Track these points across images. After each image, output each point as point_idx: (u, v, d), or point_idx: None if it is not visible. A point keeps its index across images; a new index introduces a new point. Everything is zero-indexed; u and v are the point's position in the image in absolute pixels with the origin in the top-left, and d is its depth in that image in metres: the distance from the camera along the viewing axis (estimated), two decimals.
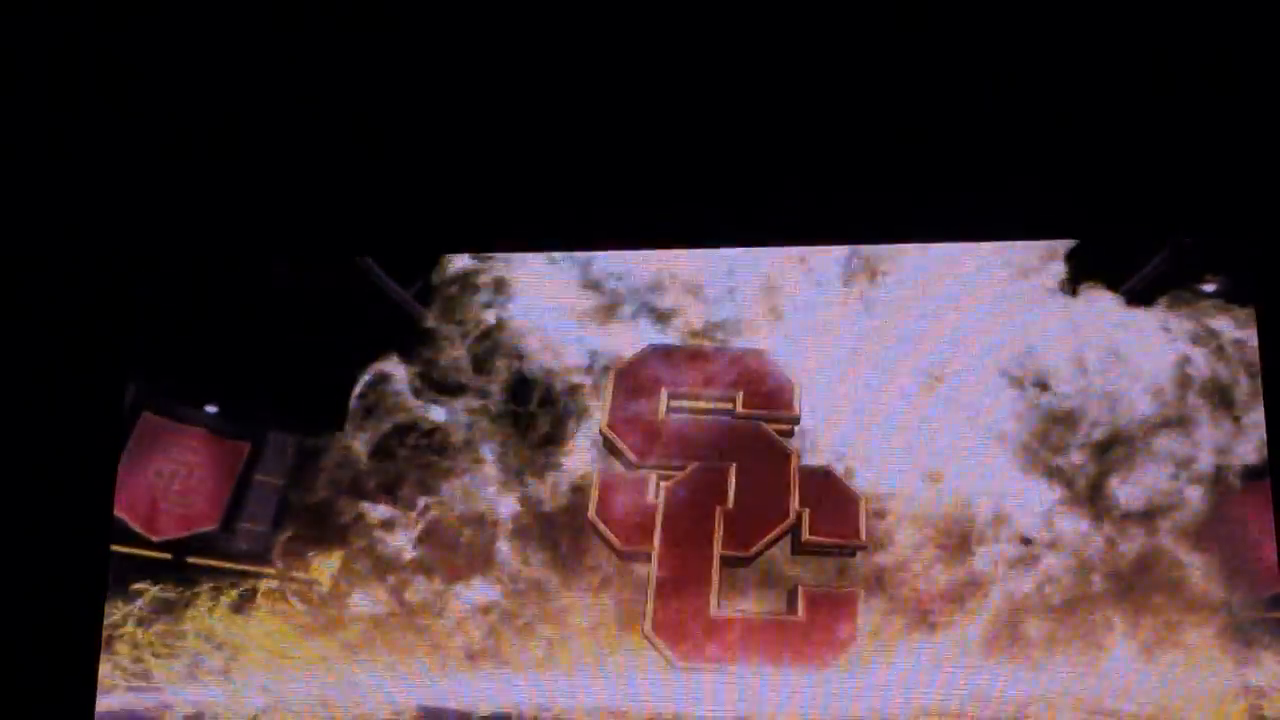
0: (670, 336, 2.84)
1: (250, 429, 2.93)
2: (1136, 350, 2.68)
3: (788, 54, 2.81)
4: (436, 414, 2.82)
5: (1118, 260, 2.74)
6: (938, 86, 2.77)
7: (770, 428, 2.75)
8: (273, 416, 2.91)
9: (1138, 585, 2.54)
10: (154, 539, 2.85)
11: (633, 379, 2.80)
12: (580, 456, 2.76)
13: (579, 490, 2.73)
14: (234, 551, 2.82)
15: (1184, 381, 2.64)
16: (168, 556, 2.81)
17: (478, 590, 2.69)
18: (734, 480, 2.70)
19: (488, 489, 2.75)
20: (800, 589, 2.63)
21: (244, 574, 2.77)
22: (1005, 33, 2.71)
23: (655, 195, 2.89)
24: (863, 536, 2.65)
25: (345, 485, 2.80)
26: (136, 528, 2.84)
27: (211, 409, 2.98)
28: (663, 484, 2.72)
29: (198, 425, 2.97)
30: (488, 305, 2.90)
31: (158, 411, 2.95)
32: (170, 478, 2.92)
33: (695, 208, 2.88)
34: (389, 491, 2.78)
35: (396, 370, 2.86)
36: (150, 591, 2.75)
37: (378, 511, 2.77)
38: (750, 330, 2.83)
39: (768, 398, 2.77)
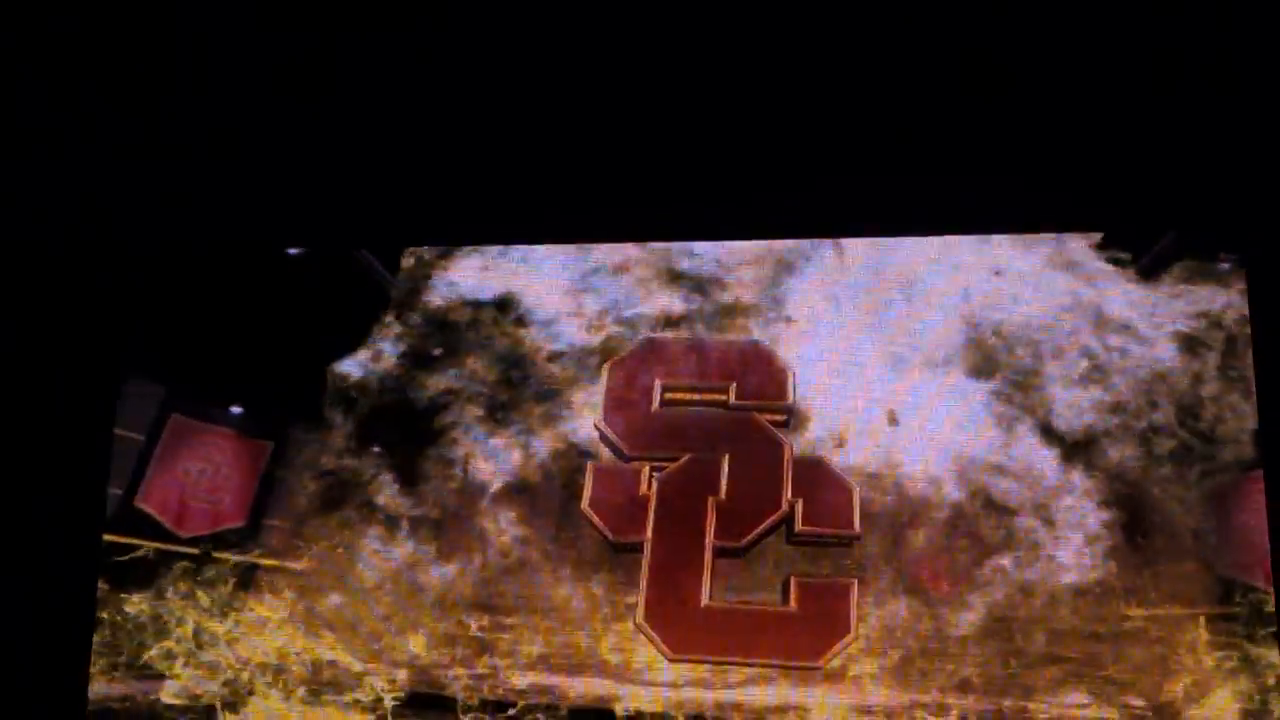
0: (667, 328, 2.86)
1: (273, 428, 3.03)
2: (1142, 327, 2.62)
3: (786, 45, 2.80)
4: (425, 396, 2.89)
5: (1125, 241, 2.69)
6: (936, 84, 2.74)
7: (764, 418, 2.75)
8: (294, 415, 3.00)
9: (1136, 569, 2.48)
10: (183, 535, 2.95)
11: (627, 371, 2.82)
12: (574, 446, 2.79)
13: (572, 479, 2.75)
14: (254, 545, 2.91)
15: (1191, 356, 2.57)
16: (175, 548, 2.91)
17: (469, 579, 2.73)
18: (726, 471, 2.70)
19: (481, 476, 2.80)
20: (793, 579, 2.61)
21: (240, 564, 2.86)
22: (1004, 28, 2.66)
23: (656, 189, 2.90)
24: (856, 527, 2.63)
25: (336, 472, 2.88)
26: (167, 524, 2.95)
27: (237, 410, 3.09)
28: (655, 475, 2.72)
29: (224, 426, 3.08)
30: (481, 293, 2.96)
31: (186, 413, 3.07)
32: (199, 476, 3.03)
33: (693, 201, 2.88)
34: (380, 477, 2.85)
35: (387, 355, 2.93)
36: (145, 580, 2.86)
37: (368, 497, 2.84)
38: (749, 320, 2.83)
39: (761, 388, 2.77)
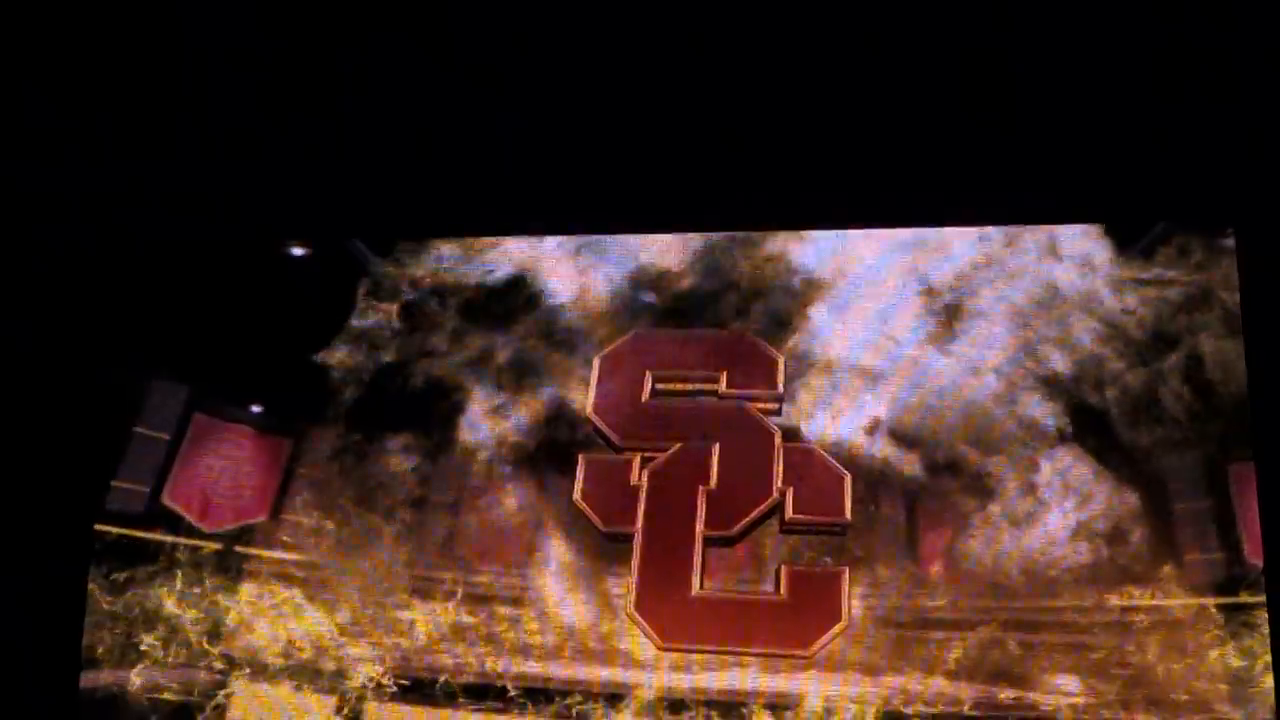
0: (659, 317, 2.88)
1: (292, 426, 3.12)
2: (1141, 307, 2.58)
3: (782, 37, 2.80)
4: (425, 384, 2.95)
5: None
6: (933, 82, 2.72)
7: (754, 407, 2.75)
8: (302, 408, 3.08)
9: (1142, 553, 2.44)
10: (207, 530, 3.06)
11: (617, 363, 2.84)
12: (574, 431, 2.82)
13: (569, 466, 2.78)
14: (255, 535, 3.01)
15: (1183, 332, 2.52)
16: (182, 540, 3.01)
17: (463, 567, 2.79)
18: (717, 460, 2.71)
19: (477, 461, 2.85)
20: (783, 568, 2.61)
21: (240, 554, 2.96)
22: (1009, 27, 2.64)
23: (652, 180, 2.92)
24: (848, 515, 2.62)
25: (334, 461, 2.96)
26: (192, 520, 3.06)
27: (256, 408, 3.19)
28: (645, 465, 2.74)
29: (245, 424, 3.18)
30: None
31: (208, 412, 3.18)
32: (221, 473, 3.14)
33: (697, 192, 2.89)
34: (373, 467, 2.92)
35: (385, 343, 3.00)
36: (136, 570, 2.94)
37: (361, 486, 2.91)
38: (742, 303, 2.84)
39: (751, 377, 2.77)
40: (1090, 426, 2.55)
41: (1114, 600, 2.43)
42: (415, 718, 2.64)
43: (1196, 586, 2.41)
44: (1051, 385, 2.59)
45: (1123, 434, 2.52)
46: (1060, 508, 2.52)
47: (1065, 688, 2.41)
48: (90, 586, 2.80)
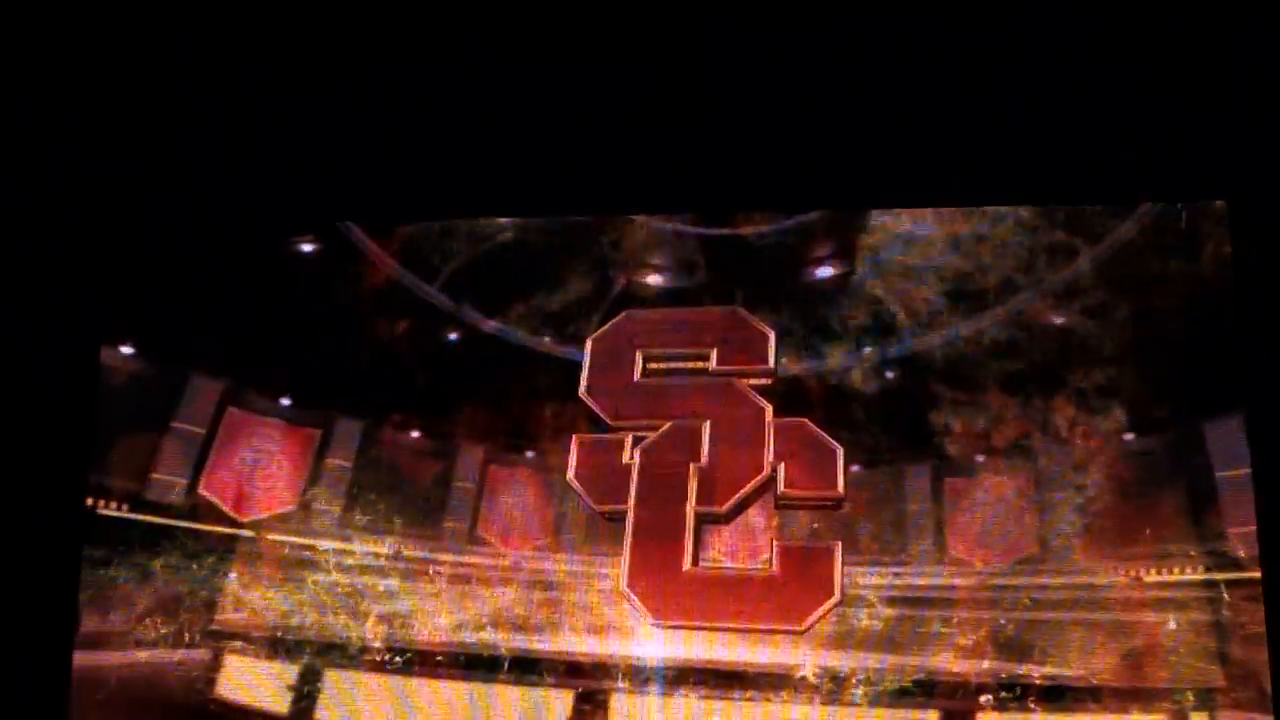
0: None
1: (320, 418, 3.23)
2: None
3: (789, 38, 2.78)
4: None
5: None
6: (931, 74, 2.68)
7: (746, 383, 2.73)
8: (339, 405, 3.18)
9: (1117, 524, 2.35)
10: (241, 520, 3.19)
11: (608, 344, 2.85)
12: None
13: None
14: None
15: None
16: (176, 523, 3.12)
17: (461, 554, 2.84)
18: (707, 437, 2.69)
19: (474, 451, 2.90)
20: (775, 543, 2.59)
21: (231, 533, 3.06)
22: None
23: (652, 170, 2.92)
24: (840, 489, 2.58)
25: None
26: (226, 510, 3.19)
27: (285, 402, 3.31)
28: (638, 444, 2.75)
29: (275, 417, 3.31)
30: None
31: (240, 406, 3.32)
32: (253, 465, 3.27)
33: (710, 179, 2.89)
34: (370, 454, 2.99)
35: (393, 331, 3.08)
36: (129, 549, 3.02)
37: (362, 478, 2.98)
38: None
39: (742, 353, 2.75)
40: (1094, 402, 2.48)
41: (1141, 575, 2.36)
42: (409, 691, 2.70)
43: (1222, 561, 2.31)
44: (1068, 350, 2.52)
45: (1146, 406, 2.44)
46: (1082, 479, 2.45)
47: (1084, 663, 2.34)
48: (84, 565, 2.91)
